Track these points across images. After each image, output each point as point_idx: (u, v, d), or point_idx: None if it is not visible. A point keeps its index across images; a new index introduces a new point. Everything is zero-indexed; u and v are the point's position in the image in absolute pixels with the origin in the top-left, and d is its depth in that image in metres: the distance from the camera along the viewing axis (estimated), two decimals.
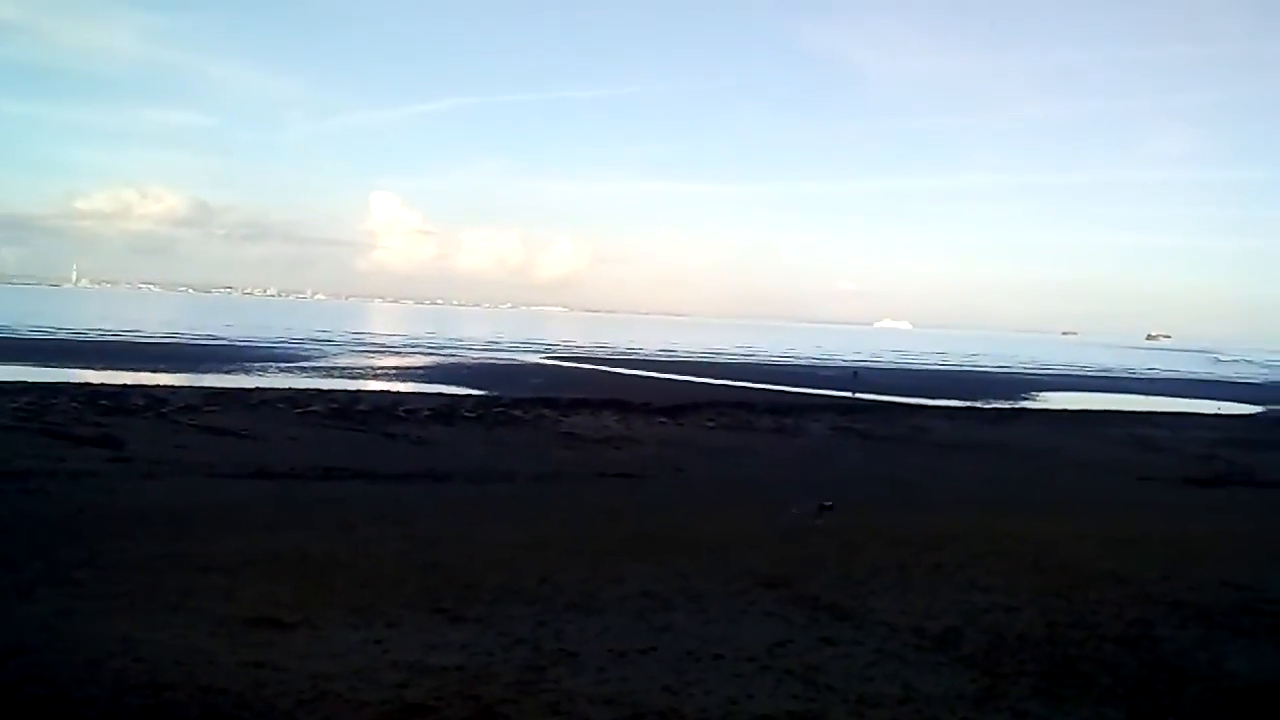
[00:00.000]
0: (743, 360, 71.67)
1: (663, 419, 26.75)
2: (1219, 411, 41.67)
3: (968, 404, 38.83)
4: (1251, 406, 46.62)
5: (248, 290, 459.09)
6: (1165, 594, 9.04)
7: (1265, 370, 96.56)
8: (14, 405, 21.91)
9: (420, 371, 45.35)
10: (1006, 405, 39.89)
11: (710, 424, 26.34)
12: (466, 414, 25.57)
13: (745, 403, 32.70)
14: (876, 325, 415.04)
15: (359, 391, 31.41)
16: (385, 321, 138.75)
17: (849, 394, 40.33)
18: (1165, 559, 10.67)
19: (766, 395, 38.46)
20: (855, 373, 51.56)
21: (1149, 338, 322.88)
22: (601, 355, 68.96)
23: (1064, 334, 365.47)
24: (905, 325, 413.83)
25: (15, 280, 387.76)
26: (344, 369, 43.89)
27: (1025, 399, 45.14)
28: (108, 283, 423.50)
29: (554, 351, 71.51)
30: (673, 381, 45.30)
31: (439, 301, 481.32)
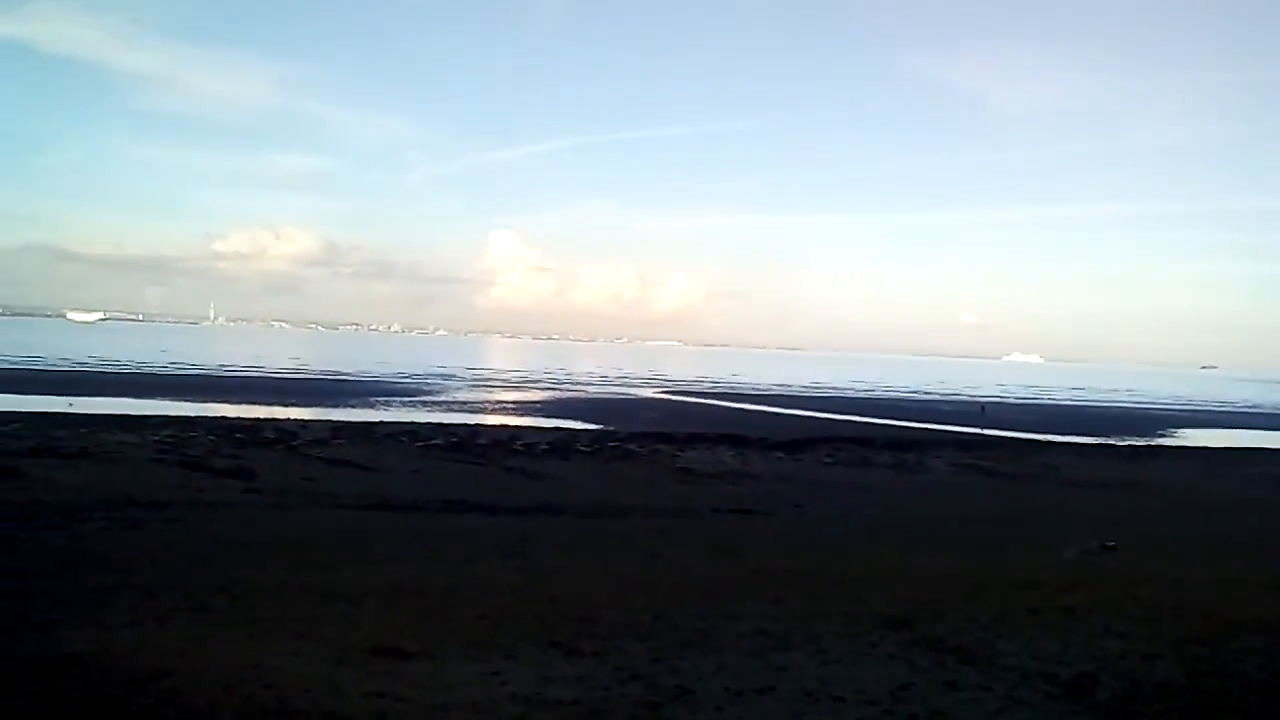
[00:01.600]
0: (861, 394, 70.51)
1: (779, 454, 26.47)
2: None
3: (1100, 441, 37.30)
4: None
5: (373, 326, 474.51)
6: None
7: None
8: (156, 438, 23.05)
9: (537, 406, 46.01)
10: (1141, 442, 38.19)
11: (828, 459, 25.94)
12: (582, 448, 25.77)
13: (864, 438, 32.12)
14: (1005, 359, 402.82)
15: (478, 425, 32.02)
16: (503, 356, 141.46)
17: (976, 430, 39.22)
18: None
19: (886, 430, 37.70)
20: (983, 408, 50.18)
21: None
22: (717, 389, 68.80)
23: (1204, 368, 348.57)
24: (1036, 359, 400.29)
25: (158, 318, 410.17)
26: (463, 403, 44.85)
27: (1162, 436, 43.15)
28: (243, 320, 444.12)
29: (669, 386, 71.66)
30: (789, 416, 44.86)
31: (555, 336, 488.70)
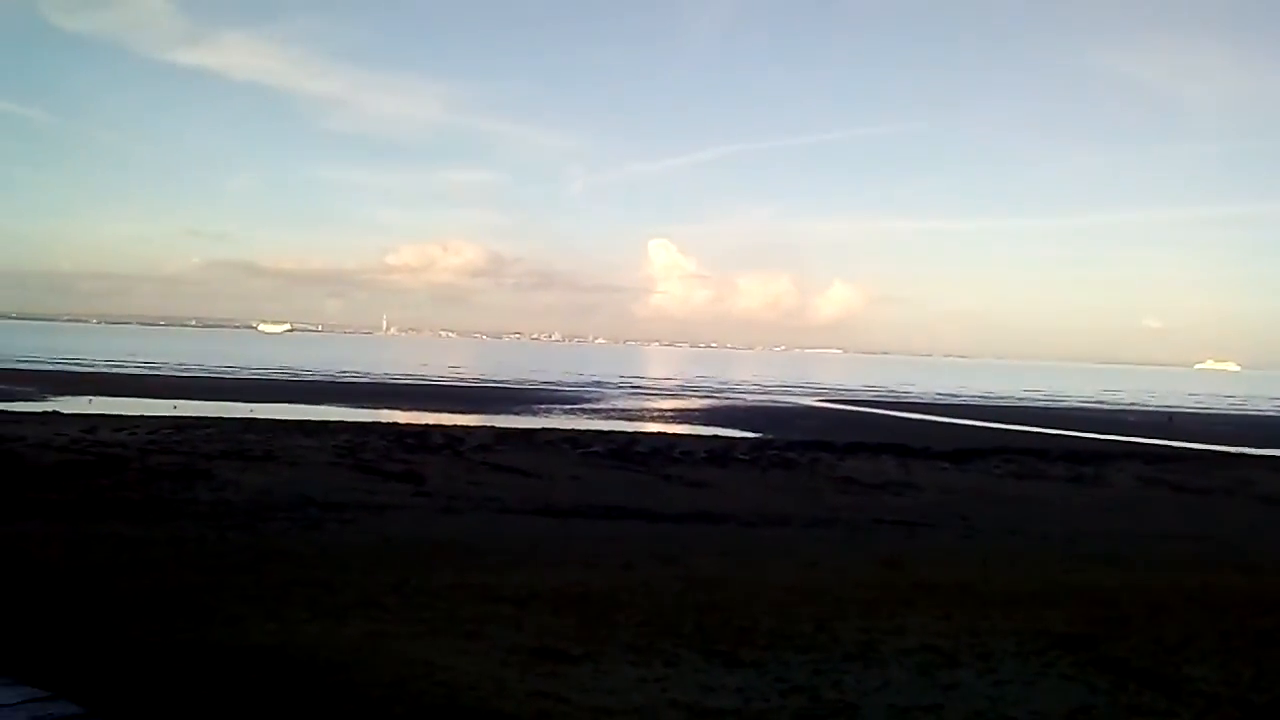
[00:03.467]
0: (1035, 403, 67.68)
1: (945, 464, 25.68)
2: None
3: None
4: None
5: (534, 335, 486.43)
6: None
7: None
8: (334, 443, 24.26)
9: (695, 413, 46.11)
10: None
11: (997, 470, 25.00)
12: (741, 456, 25.66)
13: (1037, 449, 30.80)
14: (1197, 367, 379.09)
15: (636, 433, 32.32)
16: (661, 364, 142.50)
17: (1162, 441, 37.08)
18: None
19: (1062, 441, 36.06)
20: (1170, 417, 47.37)
21: None
22: (879, 398, 67.36)
23: None
24: (1232, 366, 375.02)
25: (336, 329, 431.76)
26: (622, 411, 45.40)
27: None
28: (413, 330, 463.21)
29: (829, 393, 70.62)
30: (956, 425, 43.49)
31: (713, 344, 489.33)
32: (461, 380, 70.08)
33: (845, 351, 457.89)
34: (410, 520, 14.40)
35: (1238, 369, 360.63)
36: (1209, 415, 61.72)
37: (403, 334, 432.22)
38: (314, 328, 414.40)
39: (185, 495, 15.70)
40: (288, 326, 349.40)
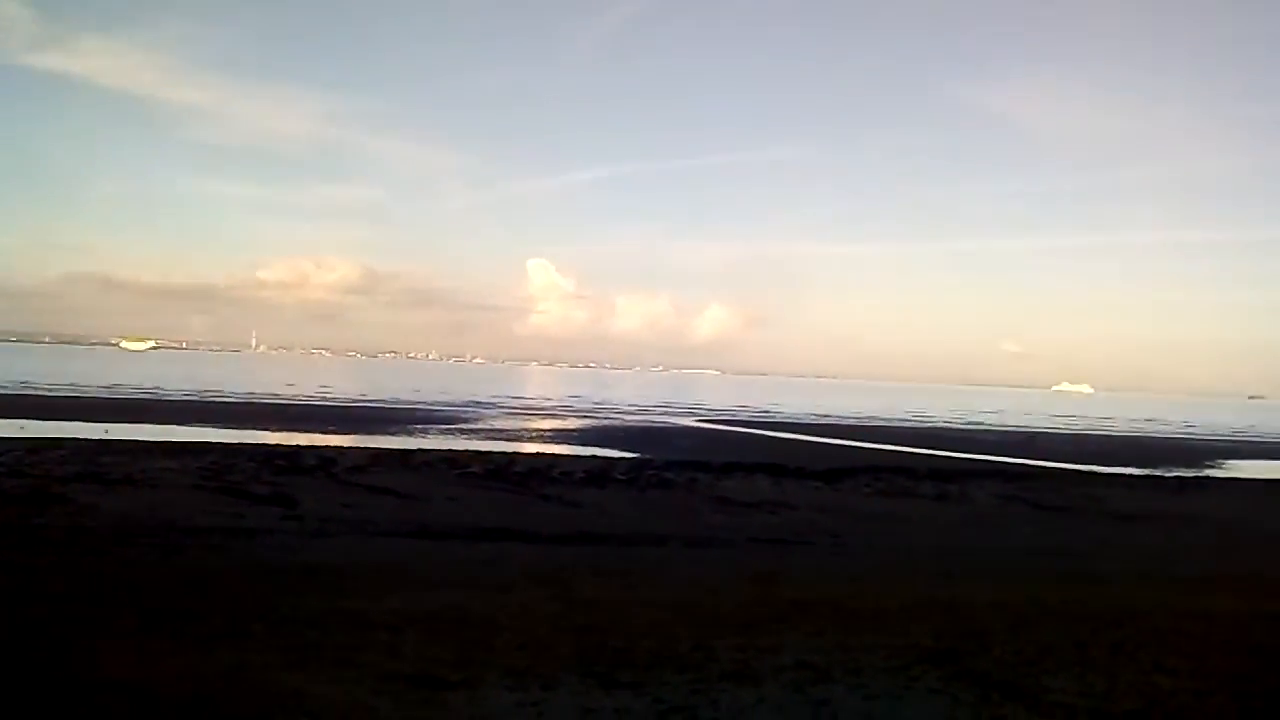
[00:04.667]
0: (902, 424, 69.91)
1: (817, 483, 26.26)
2: None
3: (1147, 472, 36.65)
4: None
5: (411, 354, 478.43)
6: None
7: None
8: (198, 465, 23.33)
9: (574, 434, 46.07)
10: (1190, 473, 37.46)
11: (868, 489, 25.70)
12: (619, 476, 25.73)
13: (905, 468, 31.78)
14: (1054, 388, 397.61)
15: (515, 453, 32.10)
16: (540, 384, 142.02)
17: (1021, 460, 38.74)
18: None
19: (928, 460, 37.31)
20: (1031, 437, 49.53)
21: None
22: (754, 418, 68.54)
23: (1251, 398, 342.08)
24: (1086, 389, 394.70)
25: (202, 346, 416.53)
26: (500, 431, 45.01)
27: (1210, 467, 42.31)
28: (284, 348, 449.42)
29: (706, 414, 71.50)
30: (828, 445, 44.54)
31: (592, 364, 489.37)
32: (335, 400, 68.38)
33: (722, 372, 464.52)
34: (279, 545, 13.95)
35: (1091, 391, 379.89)
36: (1063, 435, 64.81)
37: (273, 352, 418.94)
38: (179, 345, 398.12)
39: (37, 521, 14.87)
40: (152, 343, 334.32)
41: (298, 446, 29.84)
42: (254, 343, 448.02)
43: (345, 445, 32.03)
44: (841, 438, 49.69)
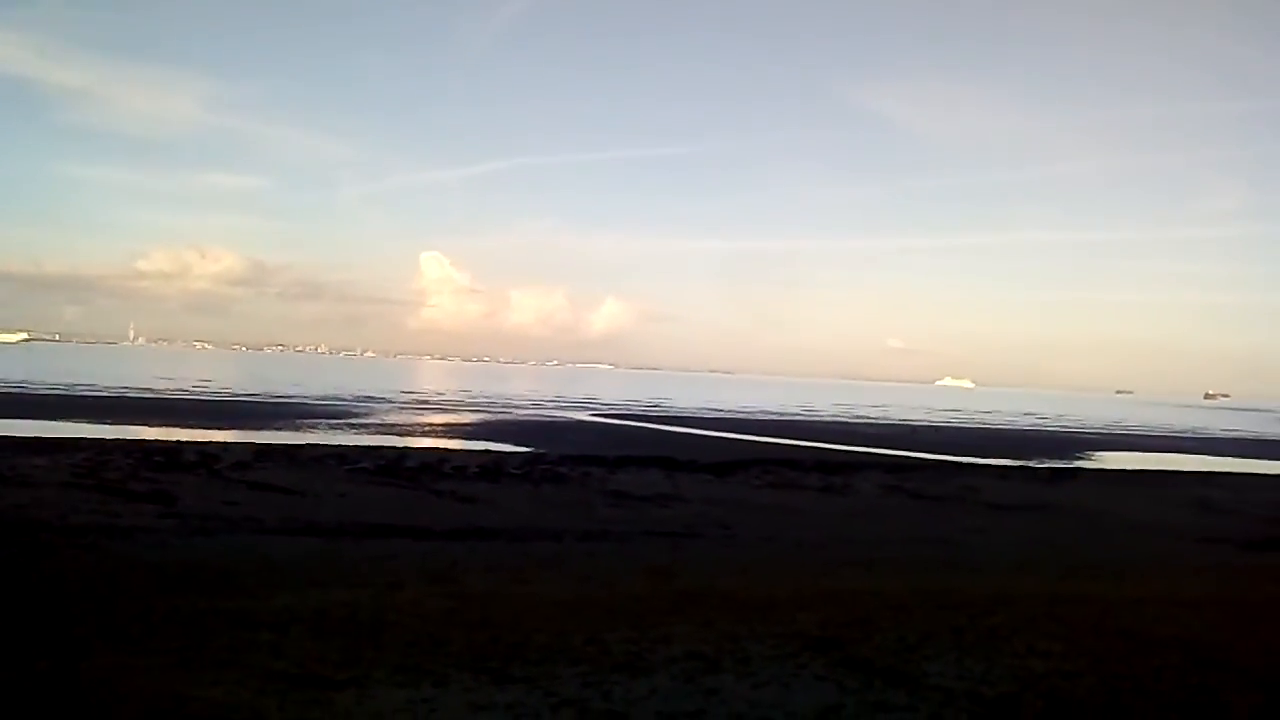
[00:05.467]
0: (791, 417, 71.24)
1: (709, 477, 26.59)
2: None
3: (1021, 463, 38.16)
4: None
5: (300, 348, 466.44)
6: (1229, 660, 8.75)
7: None
8: (71, 462, 22.36)
9: (467, 428, 45.63)
10: (1061, 464, 39.17)
11: (757, 482, 26.13)
12: (513, 471, 25.62)
13: (793, 460, 32.43)
14: (937, 383, 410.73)
15: (407, 448, 31.64)
16: (433, 378, 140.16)
17: (903, 452, 39.87)
18: (1228, 624, 10.35)
19: (815, 453, 38.12)
20: (913, 429, 51.00)
21: (1207, 396, 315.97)
22: (648, 412, 68.94)
23: (1119, 392, 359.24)
24: (967, 384, 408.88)
25: (75, 338, 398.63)
26: (392, 426, 44.28)
27: (1080, 458, 44.29)
28: (164, 341, 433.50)
29: (601, 408, 71.63)
30: (720, 439, 45.12)
31: (486, 359, 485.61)
32: (218, 394, 66.26)
33: (617, 367, 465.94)
34: (158, 544, 13.49)
35: (973, 386, 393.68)
36: (943, 428, 66.94)
37: (153, 344, 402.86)
38: (52, 337, 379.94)
39: None
40: (24, 335, 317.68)
41: (178, 442, 28.85)
42: (132, 335, 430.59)
43: (229, 441, 31.09)
44: (732, 431, 50.41)
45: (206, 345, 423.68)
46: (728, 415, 69.87)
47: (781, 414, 76.23)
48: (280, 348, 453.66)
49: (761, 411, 78.69)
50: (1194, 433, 77.29)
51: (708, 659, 8.11)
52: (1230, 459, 48.72)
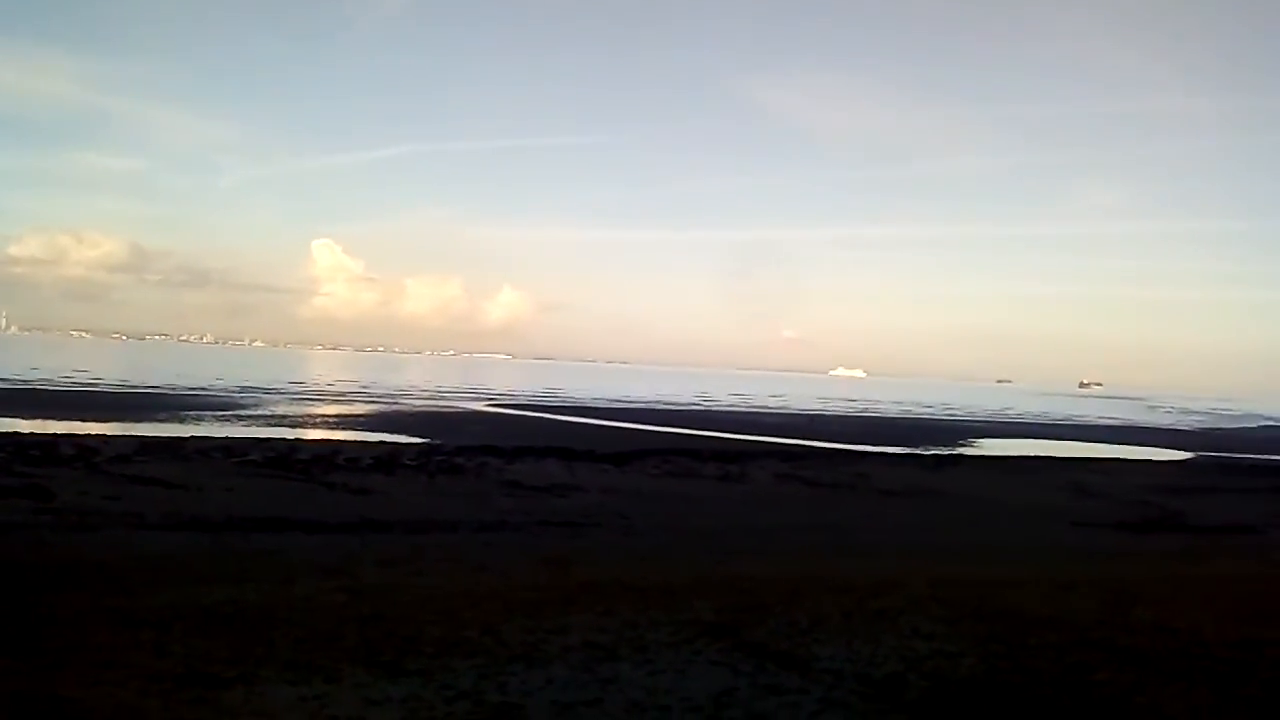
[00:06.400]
0: (689, 407, 71.86)
1: (607, 466, 26.67)
2: (1151, 458, 42.66)
3: (909, 451, 39.30)
4: (1181, 453, 47.83)
5: (183, 337, 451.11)
6: (1102, 638, 9.16)
7: (1194, 417, 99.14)
8: None
9: (361, 419, 44.80)
10: (946, 451, 40.47)
11: (655, 471, 26.33)
12: (408, 462, 25.28)
13: (691, 449, 32.75)
14: (830, 373, 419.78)
15: (298, 440, 30.92)
16: (325, 369, 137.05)
17: (797, 441, 40.59)
18: (1101, 603, 10.83)
19: (712, 442, 38.56)
20: (810, 419, 51.99)
21: (1082, 385, 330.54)
22: (546, 403, 68.74)
23: (999, 381, 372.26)
24: (859, 373, 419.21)
25: None
26: (282, 417, 43.20)
27: (964, 445, 45.83)
28: (38, 329, 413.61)
29: (498, 399, 71.12)
30: (618, 429, 45.26)
31: (380, 349, 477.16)
32: (98, 385, 63.59)
33: (514, 357, 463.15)
34: (34, 540, 12.92)
35: (865, 375, 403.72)
36: (838, 417, 68.46)
37: (26, 333, 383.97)
38: None
39: None
40: None
41: (54, 435, 27.62)
42: (4, 323, 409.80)
43: (109, 434, 29.92)
44: (631, 421, 50.61)
45: (85, 334, 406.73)
46: (626, 405, 70.13)
47: (679, 404, 76.84)
48: (163, 337, 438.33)
49: (660, 401, 79.20)
50: (1069, 420, 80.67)
51: (605, 648, 8.15)
52: (1103, 445, 51.04)
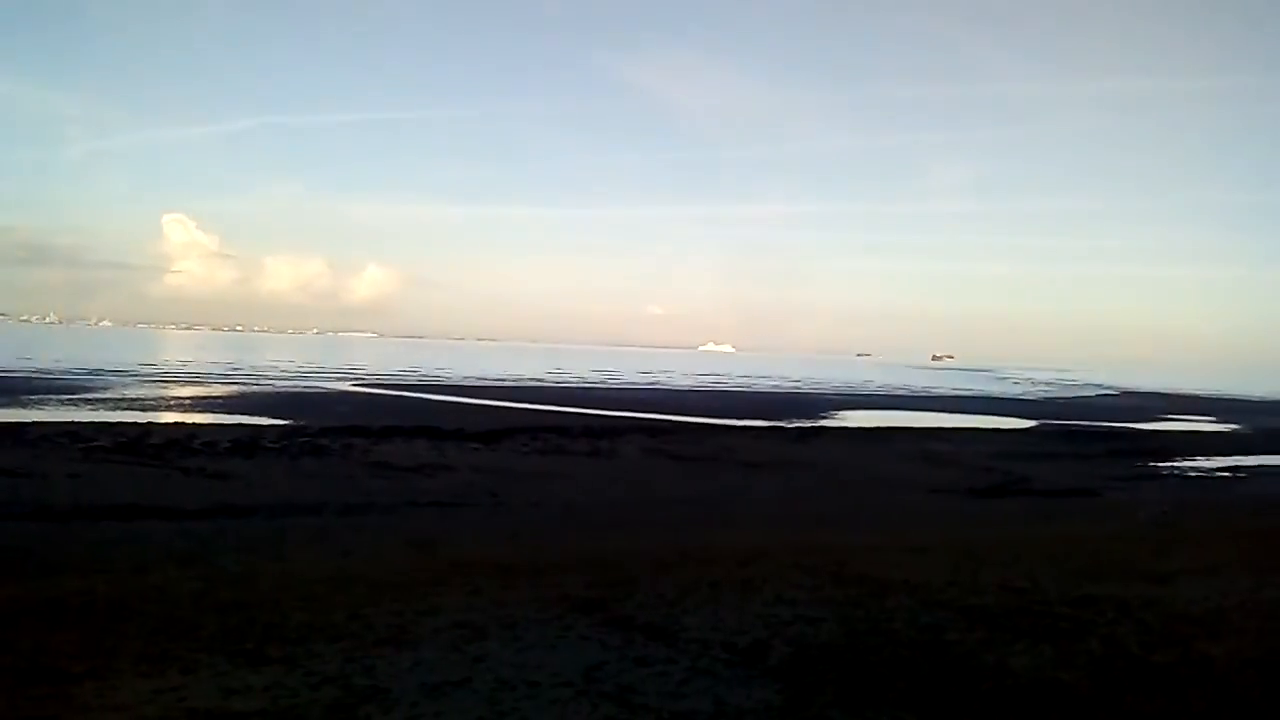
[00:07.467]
0: (558, 385, 71.81)
1: (476, 445, 26.49)
2: (998, 426, 44.83)
3: (772, 423, 40.25)
4: (1027, 421, 50.39)
5: (25, 317, 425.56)
6: (953, 599, 9.63)
7: (1039, 388, 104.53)
8: None
9: (219, 401, 43.21)
10: (808, 424, 41.60)
11: (525, 449, 26.28)
12: (269, 445, 24.56)
13: (560, 427, 32.78)
14: (701, 349, 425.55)
15: (150, 424, 29.62)
16: (179, 349, 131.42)
17: (664, 416, 40.99)
18: (952, 566, 11.37)
19: (581, 419, 38.67)
20: (678, 395, 52.31)
21: (934, 358, 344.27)
22: (413, 382, 67.62)
23: (859, 355, 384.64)
24: (728, 348, 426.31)
25: None
26: (133, 400, 41.29)
27: (825, 418, 47.19)
28: None
29: (364, 378, 69.60)
30: (487, 407, 44.93)
31: (239, 328, 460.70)
32: None
33: (381, 335, 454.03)
34: None
35: (734, 350, 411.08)
36: (705, 392, 69.54)
37: None
38: None
39: None
40: None
41: None
42: None
43: None
44: (500, 399, 50.30)
45: None
46: (495, 383, 69.61)
47: (548, 381, 76.71)
48: (2, 317, 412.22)
49: (529, 379, 78.89)
50: (922, 391, 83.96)
51: (475, 627, 8.14)
52: (955, 415, 53.33)
